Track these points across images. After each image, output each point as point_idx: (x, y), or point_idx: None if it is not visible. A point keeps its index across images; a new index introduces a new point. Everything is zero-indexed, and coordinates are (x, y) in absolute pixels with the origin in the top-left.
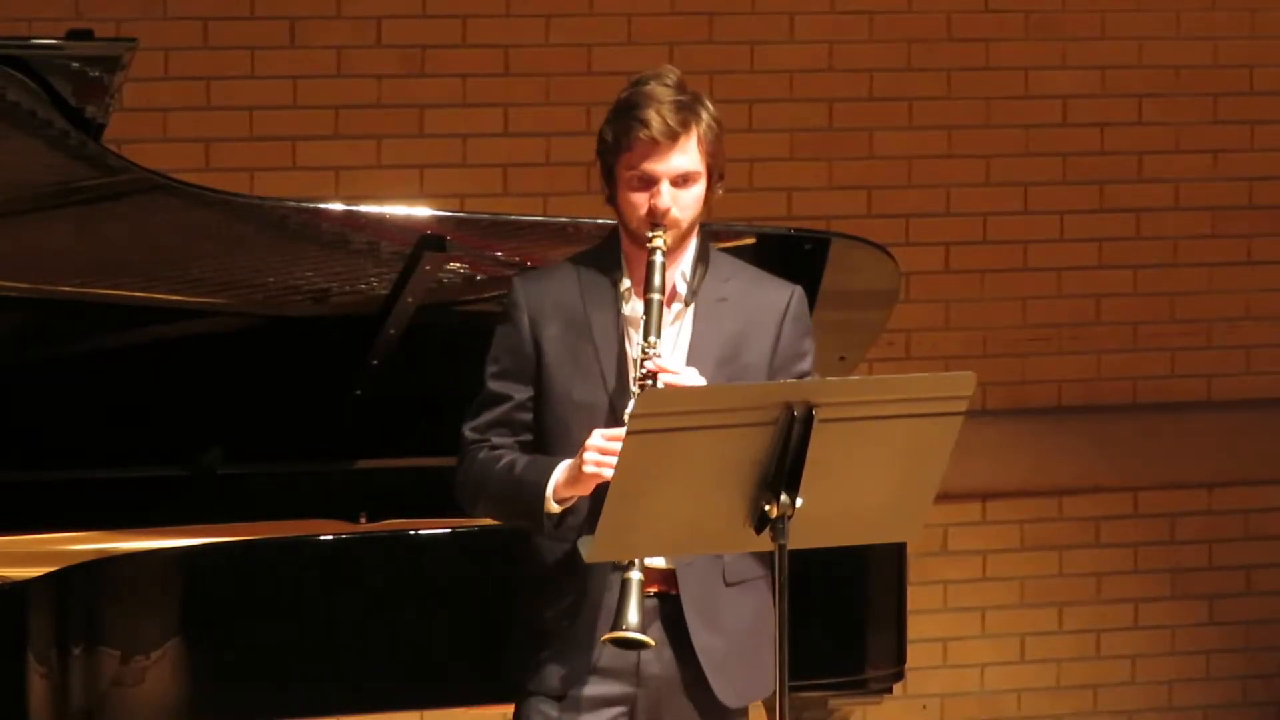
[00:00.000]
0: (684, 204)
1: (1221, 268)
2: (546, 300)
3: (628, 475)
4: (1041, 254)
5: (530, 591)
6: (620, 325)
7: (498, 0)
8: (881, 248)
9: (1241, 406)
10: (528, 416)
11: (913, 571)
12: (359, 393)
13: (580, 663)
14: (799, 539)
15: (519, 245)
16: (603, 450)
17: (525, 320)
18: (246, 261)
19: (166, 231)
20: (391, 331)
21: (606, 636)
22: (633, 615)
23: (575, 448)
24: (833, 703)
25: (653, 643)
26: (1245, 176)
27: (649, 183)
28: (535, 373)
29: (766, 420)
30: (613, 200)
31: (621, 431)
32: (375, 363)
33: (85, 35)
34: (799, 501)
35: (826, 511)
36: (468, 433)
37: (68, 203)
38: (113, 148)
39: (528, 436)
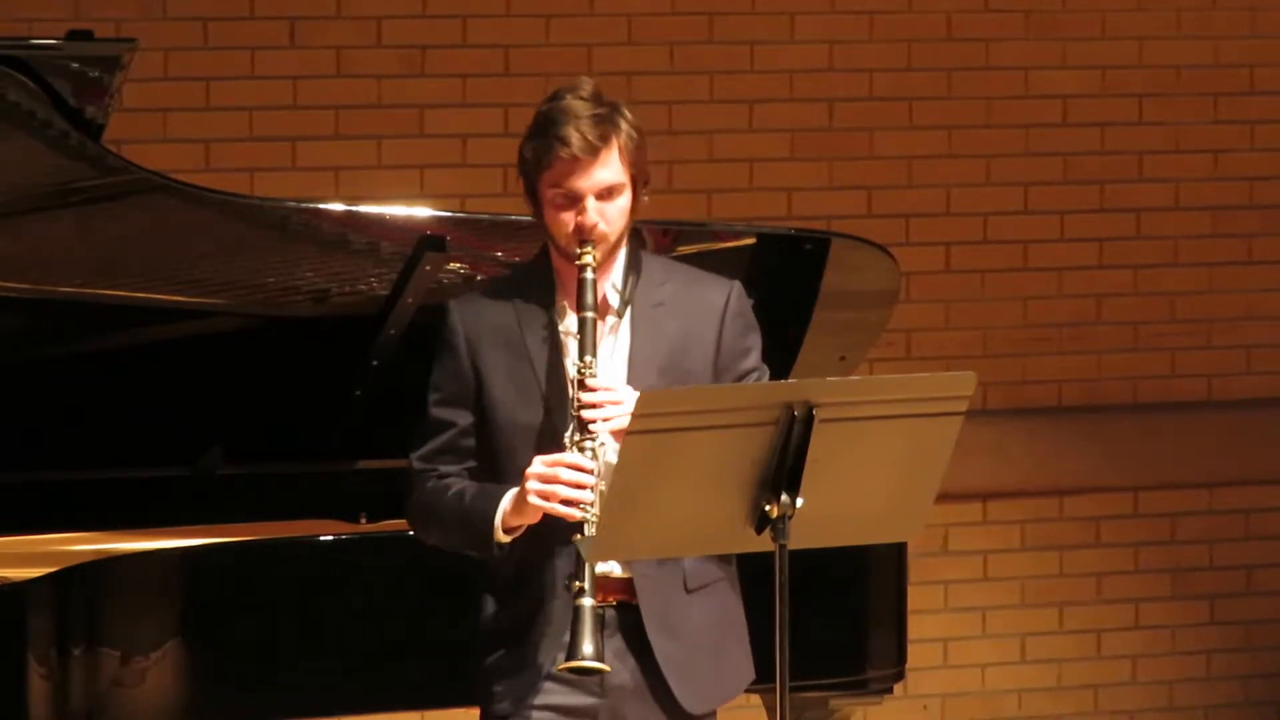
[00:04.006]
0: (611, 217)
1: (1221, 268)
2: (483, 324)
3: (628, 475)
4: (1042, 254)
5: (482, 611)
6: (557, 345)
7: (498, 0)
8: (881, 248)
9: (1241, 406)
10: (472, 443)
11: (913, 571)
12: (359, 393)
13: (537, 678)
14: (799, 539)
15: (519, 245)
16: (543, 478)
17: (463, 346)
18: (246, 262)
19: (166, 231)
20: (392, 331)
21: (562, 666)
22: (587, 645)
23: (523, 471)
24: (833, 703)
25: (609, 669)
26: (1245, 176)
27: (574, 200)
28: (476, 398)
29: (767, 420)
30: (539, 217)
31: (563, 457)
32: (375, 363)
33: (85, 35)
34: (799, 501)
35: (827, 511)
36: (415, 462)
37: (68, 203)
38: (113, 148)
39: (473, 463)
